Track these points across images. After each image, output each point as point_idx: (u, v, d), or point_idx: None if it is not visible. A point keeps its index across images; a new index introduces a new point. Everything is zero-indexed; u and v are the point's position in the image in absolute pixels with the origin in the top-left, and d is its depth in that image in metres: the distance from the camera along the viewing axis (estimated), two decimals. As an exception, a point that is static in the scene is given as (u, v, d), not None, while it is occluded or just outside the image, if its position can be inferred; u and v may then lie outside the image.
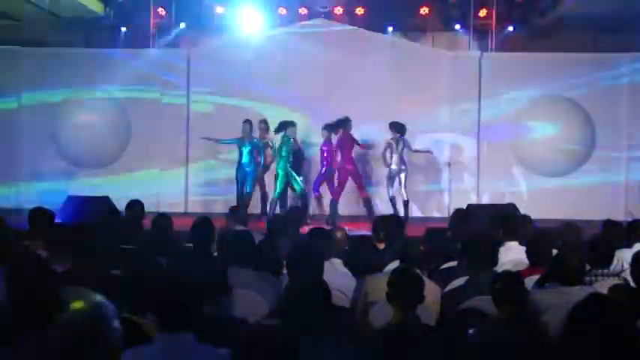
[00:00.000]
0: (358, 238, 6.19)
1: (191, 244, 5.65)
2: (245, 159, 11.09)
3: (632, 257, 4.38)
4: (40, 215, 5.99)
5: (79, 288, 3.92)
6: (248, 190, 11.07)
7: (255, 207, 11.57)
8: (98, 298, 2.78)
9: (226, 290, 3.90)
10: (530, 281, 4.35)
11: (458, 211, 7.23)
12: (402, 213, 10.80)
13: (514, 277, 3.88)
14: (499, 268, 4.67)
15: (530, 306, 3.92)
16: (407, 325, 3.47)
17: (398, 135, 11.11)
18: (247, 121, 11.15)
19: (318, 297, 3.24)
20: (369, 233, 6.66)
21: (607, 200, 12.44)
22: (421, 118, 12.20)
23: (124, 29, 13.69)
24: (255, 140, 11.19)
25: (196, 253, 5.38)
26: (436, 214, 12.54)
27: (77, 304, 2.66)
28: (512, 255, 5.46)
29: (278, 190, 10.85)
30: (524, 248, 5.21)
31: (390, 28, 13.64)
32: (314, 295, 3.23)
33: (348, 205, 11.97)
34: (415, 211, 12.40)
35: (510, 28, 13.50)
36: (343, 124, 11.10)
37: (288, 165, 10.85)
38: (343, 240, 5.94)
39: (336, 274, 4.80)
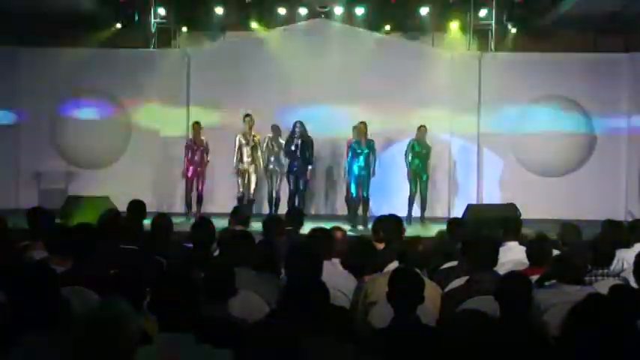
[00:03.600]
0: (358, 239, 6.19)
1: (191, 244, 5.65)
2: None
3: (635, 259, 4.38)
4: (39, 215, 5.99)
5: (79, 288, 3.95)
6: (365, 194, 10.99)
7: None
8: (119, 299, 2.79)
9: (234, 292, 3.91)
10: (530, 281, 4.36)
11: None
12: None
13: (523, 279, 3.86)
14: (499, 268, 4.66)
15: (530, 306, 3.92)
16: (407, 326, 3.47)
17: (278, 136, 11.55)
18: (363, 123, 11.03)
19: (316, 297, 3.24)
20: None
21: (607, 200, 12.45)
22: (421, 118, 12.17)
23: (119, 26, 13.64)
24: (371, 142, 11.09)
25: (196, 254, 5.38)
26: (437, 215, 12.52)
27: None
28: (512, 255, 5.46)
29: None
30: (524, 248, 5.21)
31: (389, 27, 13.62)
32: (312, 295, 3.23)
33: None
34: (416, 212, 12.40)
35: (511, 29, 13.49)
36: None
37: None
38: (343, 240, 5.94)
39: (336, 274, 4.79)
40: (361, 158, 10.92)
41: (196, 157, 11.55)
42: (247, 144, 11.35)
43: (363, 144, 10.95)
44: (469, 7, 13.34)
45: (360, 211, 11.02)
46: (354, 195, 11.05)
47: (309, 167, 11.26)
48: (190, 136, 11.75)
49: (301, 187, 11.23)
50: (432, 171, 11.88)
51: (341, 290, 4.60)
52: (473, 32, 13.55)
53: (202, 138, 11.56)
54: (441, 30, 13.77)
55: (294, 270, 4.14)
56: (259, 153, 11.43)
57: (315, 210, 12.74)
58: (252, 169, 11.38)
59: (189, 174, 11.58)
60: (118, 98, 13.11)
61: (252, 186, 11.43)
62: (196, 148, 11.55)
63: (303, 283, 3.39)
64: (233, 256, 4.65)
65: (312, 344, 2.96)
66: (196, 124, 11.64)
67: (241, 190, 11.40)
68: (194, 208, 11.60)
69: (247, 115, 11.34)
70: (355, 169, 10.94)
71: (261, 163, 11.42)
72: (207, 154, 11.60)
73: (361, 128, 10.97)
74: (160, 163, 13.05)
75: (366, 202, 11.05)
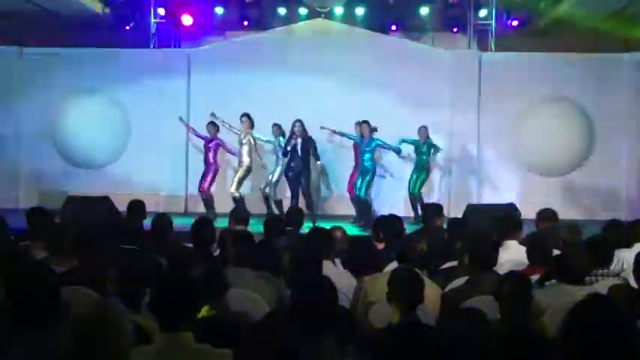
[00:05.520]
0: (358, 239, 6.18)
1: (191, 244, 5.65)
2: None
3: (635, 259, 4.38)
4: (39, 215, 5.99)
5: (79, 288, 3.95)
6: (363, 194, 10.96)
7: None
8: (112, 299, 2.79)
9: (225, 289, 3.90)
10: (530, 281, 4.35)
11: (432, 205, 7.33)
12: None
13: (523, 279, 3.86)
14: (498, 268, 4.67)
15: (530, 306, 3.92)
16: (407, 325, 3.47)
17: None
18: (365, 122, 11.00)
19: (328, 298, 3.25)
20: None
21: (607, 200, 12.44)
22: (421, 118, 12.17)
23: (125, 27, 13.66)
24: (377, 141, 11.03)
25: (196, 254, 5.38)
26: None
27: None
28: (511, 255, 5.45)
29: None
30: (523, 248, 5.21)
31: (389, 27, 13.64)
32: (324, 296, 3.23)
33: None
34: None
35: (511, 27, 13.50)
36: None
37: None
38: (343, 239, 5.93)
39: (337, 274, 4.79)
40: (365, 157, 10.94)
41: (207, 157, 11.55)
42: (243, 144, 11.28)
43: (365, 143, 10.96)
44: (469, 7, 13.35)
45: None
46: (360, 195, 11.04)
47: (319, 162, 11.26)
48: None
49: (302, 188, 11.18)
50: (431, 170, 11.92)
51: (341, 290, 4.59)
52: (473, 32, 13.55)
53: (215, 137, 11.52)
54: (440, 30, 13.78)
55: (294, 271, 4.15)
56: (253, 153, 11.34)
57: (315, 210, 12.71)
58: (247, 168, 11.31)
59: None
60: (118, 98, 13.11)
61: (237, 185, 11.24)
62: (208, 147, 11.54)
63: (316, 284, 3.39)
64: (233, 256, 4.65)
65: (313, 344, 2.96)
66: (210, 123, 11.59)
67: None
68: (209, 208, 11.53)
69: (244, 115, 11.31)
70: (361, 168, 10.99)
71: (257, 162, 11.36)
72: (214, 153, 11.51)
73: (363, 128, 10.98)
74: (159, 163, 13.03)
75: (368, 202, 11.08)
